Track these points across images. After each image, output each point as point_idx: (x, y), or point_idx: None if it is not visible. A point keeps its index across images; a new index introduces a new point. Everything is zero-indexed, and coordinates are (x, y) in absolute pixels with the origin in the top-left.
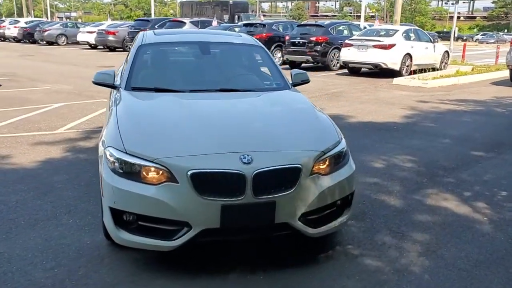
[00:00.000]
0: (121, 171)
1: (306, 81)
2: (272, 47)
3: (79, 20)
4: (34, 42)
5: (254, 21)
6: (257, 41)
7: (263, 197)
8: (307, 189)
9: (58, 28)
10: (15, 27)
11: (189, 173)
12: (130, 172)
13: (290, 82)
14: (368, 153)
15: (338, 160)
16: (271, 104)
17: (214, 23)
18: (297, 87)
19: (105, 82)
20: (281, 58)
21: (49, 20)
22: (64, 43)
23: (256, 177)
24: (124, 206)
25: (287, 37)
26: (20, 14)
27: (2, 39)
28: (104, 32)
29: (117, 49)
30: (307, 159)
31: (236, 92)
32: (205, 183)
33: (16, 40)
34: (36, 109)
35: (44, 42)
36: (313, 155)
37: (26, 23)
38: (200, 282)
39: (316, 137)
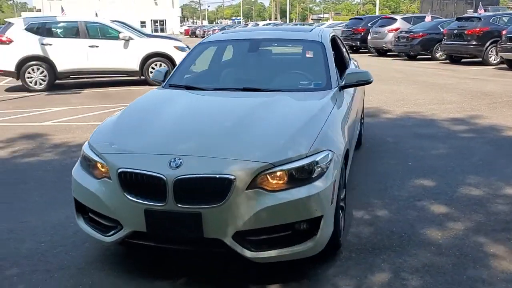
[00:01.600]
0: (86, 163)
1: (365, 82)
2: (487, 44)
3: (329, 21)
4: None
5: (469, 15)
6: (323, 36)
7: (187, 206)
8: (243, 204)
9: None
10: None
11: (118, 171)
12: (87, 164)
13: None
14: (482, 176)
15: (299, 176)
16: (272, 106)
17: (428, 18)
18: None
19: (157, 79)
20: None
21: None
22: None
23: (178, 183)
24: (77, 196)
25: (503, 32)
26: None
27: None
28: None
29: None
30: (244, 170)
31: (256, 92)
32: (131, 183)
33: None
34: None
35: None
36: (256, 166)
37: (263, 26)
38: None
39: (275, 147)
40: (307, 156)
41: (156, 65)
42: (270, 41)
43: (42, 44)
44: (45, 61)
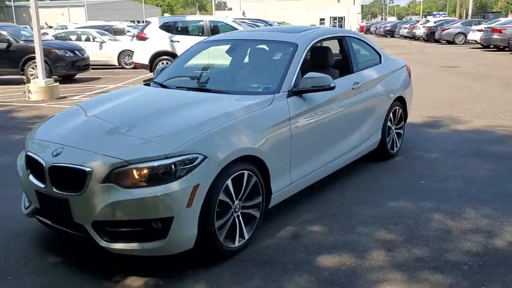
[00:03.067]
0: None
1: (323, 88)
2: None
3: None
4: (436, 41)
5: None
6: (303, 38)
7: (58, 192)
8: (97, 196)
9: (458, 27)
10: (423, 26)
11: (26, 153)
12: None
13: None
14: (492, 207)
15: (158, 176)
16: (186, 107)
17: None
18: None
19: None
20: None
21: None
22: (462, 42)
23: (52, 170)
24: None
25: None
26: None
27: (411, 37)
28: (489, 30)
29: (505, 49)
30: (100, 165)
31: (201, 93)
32: (30, 166)
33: (423, 39)
34: None
35: (444, 41)
36: (111, 161)
37: (434, 22)
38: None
39: (139, 145)
40: (167, 157)
41: None
42: (249, 42)
43: (171, 41)
44: (172, 56)
